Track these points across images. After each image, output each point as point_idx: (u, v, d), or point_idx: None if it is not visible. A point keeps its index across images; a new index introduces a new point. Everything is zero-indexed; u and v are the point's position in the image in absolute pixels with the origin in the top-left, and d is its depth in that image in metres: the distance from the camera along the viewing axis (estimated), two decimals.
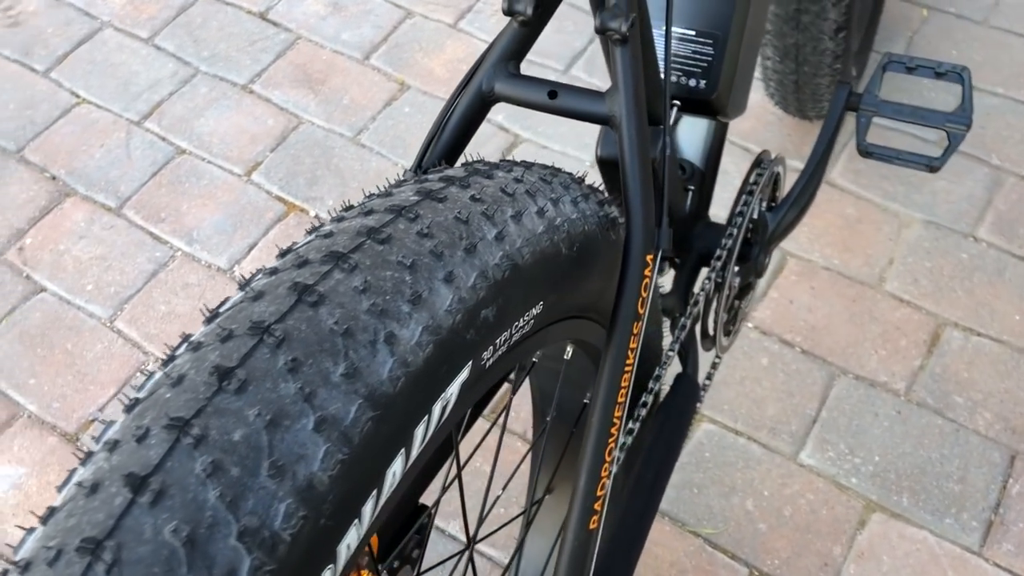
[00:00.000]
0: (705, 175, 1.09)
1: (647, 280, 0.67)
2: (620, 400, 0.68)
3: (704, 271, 1.01)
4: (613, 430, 0.68)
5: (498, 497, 1.09)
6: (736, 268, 1.06)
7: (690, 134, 1.09)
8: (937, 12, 1.90)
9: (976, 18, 1.89)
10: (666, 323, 1.04)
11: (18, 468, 1.41)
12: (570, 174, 0.72)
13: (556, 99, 0.70)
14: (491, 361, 0.56)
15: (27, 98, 1.85)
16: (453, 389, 0.52)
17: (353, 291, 0.48)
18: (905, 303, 1.55)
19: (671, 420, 0.94)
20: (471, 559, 0.82)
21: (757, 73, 1.68)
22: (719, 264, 0.98)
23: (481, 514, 0.81)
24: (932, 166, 1.09)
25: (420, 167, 0.72)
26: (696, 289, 1.01)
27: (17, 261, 1.63)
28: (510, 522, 0.96)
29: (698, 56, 0.94)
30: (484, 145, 1.73)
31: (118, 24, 1.96)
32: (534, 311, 0.60)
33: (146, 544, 0.40)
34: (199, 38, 1.93)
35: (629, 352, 0.67)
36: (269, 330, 0.46)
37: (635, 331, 0.67)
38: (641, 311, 0.68)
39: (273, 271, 0.50)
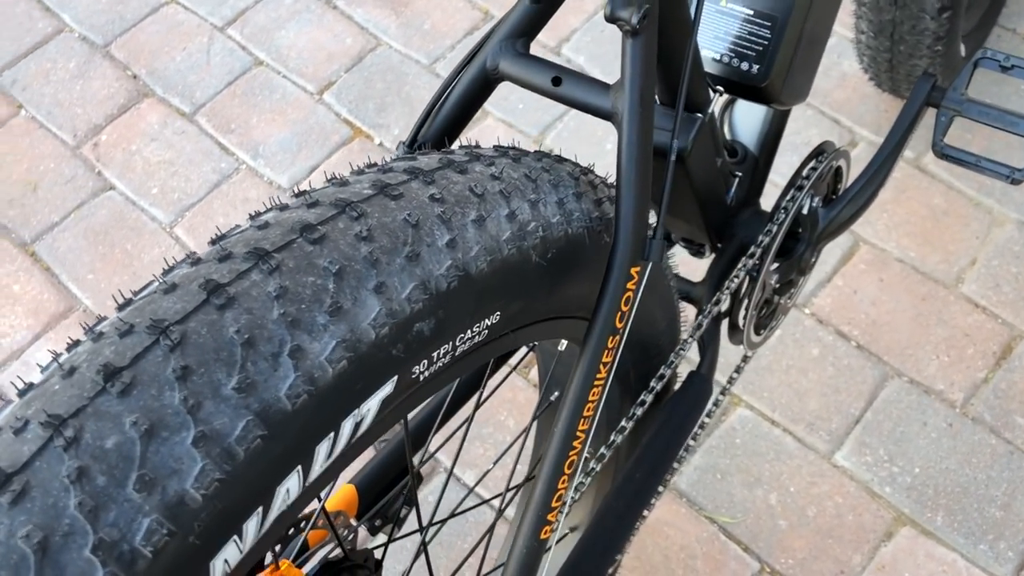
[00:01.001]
0: (759, 161, 1.02)
1: (630, 294, 0.63)
2: (587, 415, 0.65)
3: (740, 270, 0.95)
4: (576, 443, 0.65)
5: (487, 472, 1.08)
6: (776, 264, 1.00)
7: (747, 116, 1.02)
8: None
9: None
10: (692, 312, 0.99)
11: None
12: (575, 166, 0.68)
13: (560, 86, 0.65)
14: (427, 374, 0.53)
15: None
16: (371, 405, 0.50)
17: (266, 296, 0.46)
18: (980, 309, 1.45)
19: (672, 420, 0.90)
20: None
21: (851, 42, 1.55)
22: (754, 257, 0.92)
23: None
24: (1013, 178, 0.99)
25: (415, 142, 0.68)
26: (733, 281, 0.96)
27: (91, 156, 1.67)
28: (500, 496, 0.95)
29: (753, 38, 0.86)
30: None
31: None
32: (488, 321, 0.57)
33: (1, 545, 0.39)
34: None
35: (602, 367, 0.64)
36: (167, 331, 0.44)
37: (610, 345, 0.64)
38: (619, 325, 0.63)
39: (196, 261, 0.49)
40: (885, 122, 1.62)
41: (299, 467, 0.47)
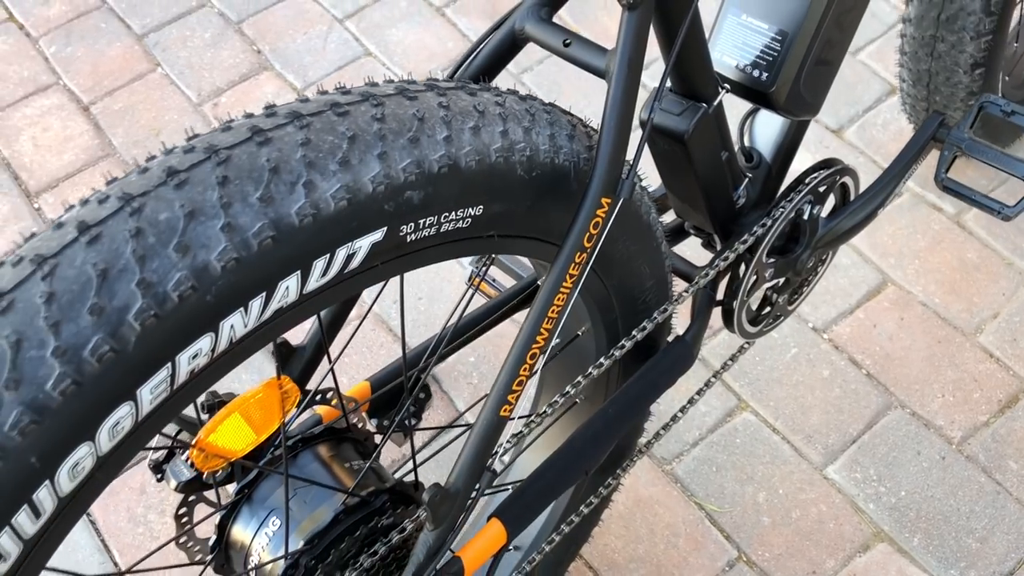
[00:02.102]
0: (772, 169, 1.14)
1: (599, 220, 0.77)
2: (551, 315, 0.78)
3: (726, 256, 1.06)
4: (540, 339, 0.78)
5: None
6: (771, 260, 1.11)
7: (765, 126, 1.14)
8: None
9: None
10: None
11: None
12: (575, 117, 0.82)
13: (568, 47, 0.80)
14: (413, 237, 0.68)
15: None
16: (363, 244, 0.65)
17: (294, 142, 0.62)
18: (994, 359, 1.51)
19: (650, 373, 1.01)
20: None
21: (891, 84, 1.65)
22: (741, 248, 1.04)
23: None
24: (1004, 214, 1.09)
25: None
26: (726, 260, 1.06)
27: (210, 114, 1.89)
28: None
29: (766, 49, 0.99)
30: None
31: None
32: (471, 211, 0.71)
33: (74, 269, 0.56)
34: None
35: (568, 276, 0.77)
36: (218, 152, 0.60)
37: (577, 260, 0.77)
38: (587, 244, 0.77)
39: (249, 116, 0.65)
40: (930, 175, 1.70)
41: (298, 272, 0.62)
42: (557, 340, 1.09)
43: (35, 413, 0.53)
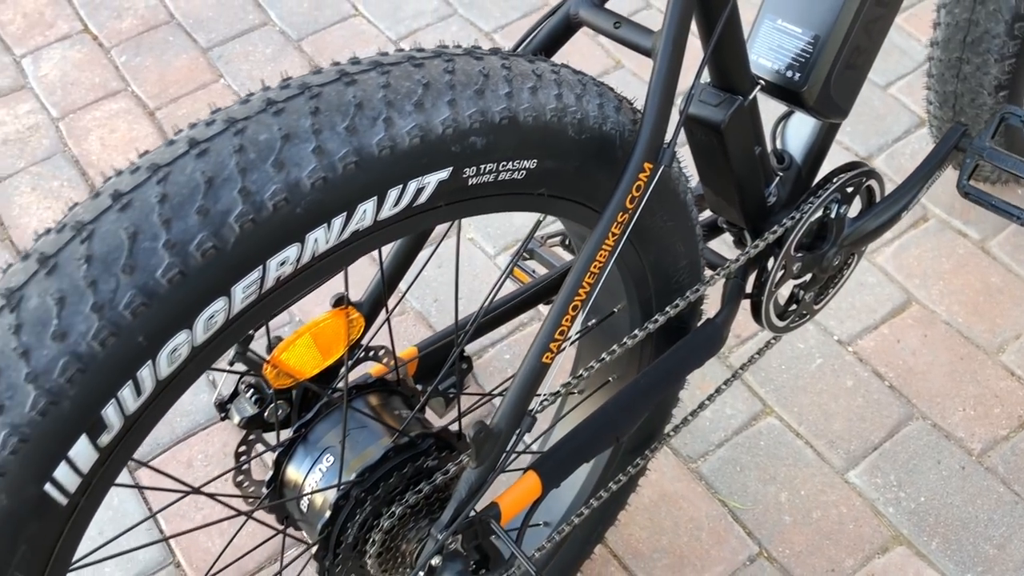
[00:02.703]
0: (802, 170, 1.21)
1: (640, 183, 0.84)
2: (594, 270, 0.85)
3: (755, 245, 1.13)
4: (582, 291, 0.85)
5: None
6: (798, 254, 1.17)
7: (797, 130, 1.21)
8: None
9: None
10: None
11: None
12: (621, 94, 0.90)
13: (618, 29, 0.88)
14: (474, 181, 0.76)
15: (318, 2, 2.23)
16: (430, 180, 0.72)
17: (377, 85, 0.70)
18: (1015, 377, 1.56)
19: (681, 351, 1.08)
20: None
21: (920, 117, 1.72)
22: (770, 239, 1.11)
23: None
24: (1022, 220, 1.15)
25: None
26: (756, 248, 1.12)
27: None
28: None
29: (799, 51, 1.07)
30: None
31: None
32: (526, 163, 0.79)
33: (184, 176, 0.64)
34: None
35: (611, 235, 0.84)
36: (311, 88, 0.68)
37: (619, 219, 0.84)
38: (629, 206, 0.84)
39: (336, 64, 0.73)
40: (957, 202, 1.77)
41: (375, 198, 0.69)
42: (592, 321, 1.16)
43: (146, 296, 0.61)
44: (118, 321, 0.61)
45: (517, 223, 1.81)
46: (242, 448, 0.96)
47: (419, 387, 1.09)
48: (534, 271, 1.39)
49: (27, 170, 1.94)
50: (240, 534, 1.12)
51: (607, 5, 0.92)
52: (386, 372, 1.03)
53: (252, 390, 0.94)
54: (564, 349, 0.87)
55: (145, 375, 0.63)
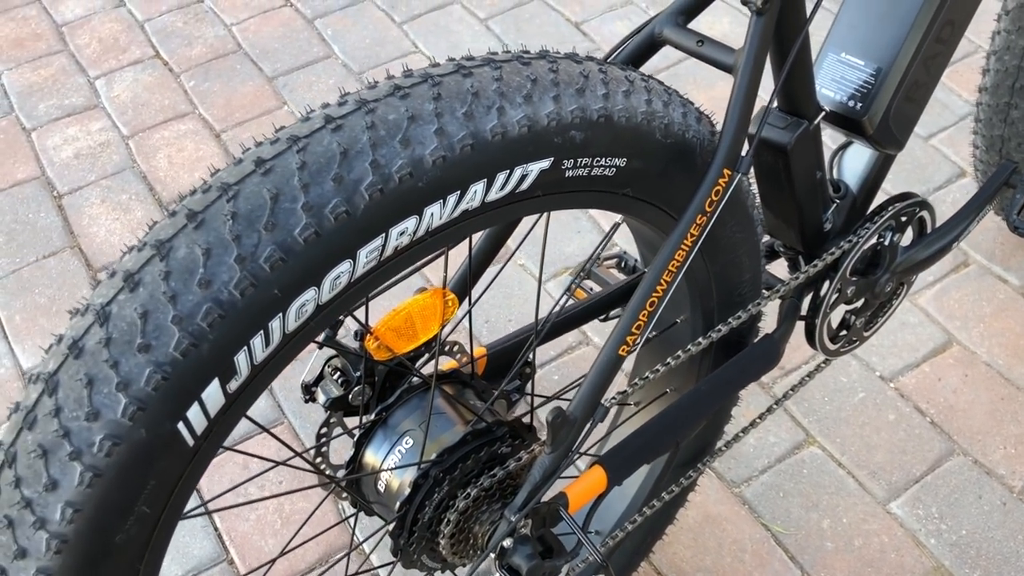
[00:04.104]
0: (857, 200, 1.26)
1: (719, 188, 0.90)
2: (672, 269, 0.90)
3: (813, 266, 1.18)
4: (659, 288, 0.91)
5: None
6: (853, 278, 1.22)
7: (853, 160, 1.27)
8: None
9: None
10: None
11: None
12: (690, 102, 0.96)
13: (702, 47, 0.95)
14: (571, 173, 0.82)
15: (380, 38, 2.32)
16: (532, 168, 0.78)
17: (491, 78, 0.76)
18: None
19: (740, 362, 1.12)
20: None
21: (968, 163, 1.78)
22: (829, 261, 1.16)
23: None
24: None
25: None
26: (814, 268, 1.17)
27: None
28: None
29: (862, 83, 1.13)
30: None
31: (465, 3, 2.40)
32: (617, 161, 0.85)
33: (322, 147, 0.70)
34: (522, 29, 2.33)
35: (689, 237, 0.90)
36: (432, 77, 0.75)
37: (698, 221, 0.90)
38: (708, 209, 0.90)
39: (452, 59, 0.80)
40: (997, 249, 1.81)
41: (485, 180, 0.75)
42: (653, 333, 1.21)
43: (283, 252, 0.67)
44: (257, 273, 0.66)
45: (568, 251, 1.86)
46: (323, 429, 1.01)
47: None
48: (591, 289, 1.44)
49: (97, 183, 2.02)
50: (306, 522, 1.16)
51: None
52: (458, 366, 1.08)
53: (338, 372, 0.99)
54: (639, 345, 0.92)
55: (275, 327, 0.69)
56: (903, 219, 1.24)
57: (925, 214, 1.26)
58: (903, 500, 1.50)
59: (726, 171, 0.90)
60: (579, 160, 0.81)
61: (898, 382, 1.64)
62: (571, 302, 1.26)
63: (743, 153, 0.91)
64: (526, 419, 1.03)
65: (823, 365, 1.31)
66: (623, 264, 1.48)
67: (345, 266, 0.70)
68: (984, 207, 1.26)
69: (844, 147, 1.28)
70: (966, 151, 1.94)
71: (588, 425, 0.93)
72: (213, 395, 0.68)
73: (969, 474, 1.52)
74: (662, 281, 0.91)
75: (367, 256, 0.71)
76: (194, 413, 0.68)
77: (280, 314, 0.69)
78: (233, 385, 0.69)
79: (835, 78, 1.15)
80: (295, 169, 0.68)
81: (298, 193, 0.68)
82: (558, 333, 1.26)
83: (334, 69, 2.25)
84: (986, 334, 1.70)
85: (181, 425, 0.68)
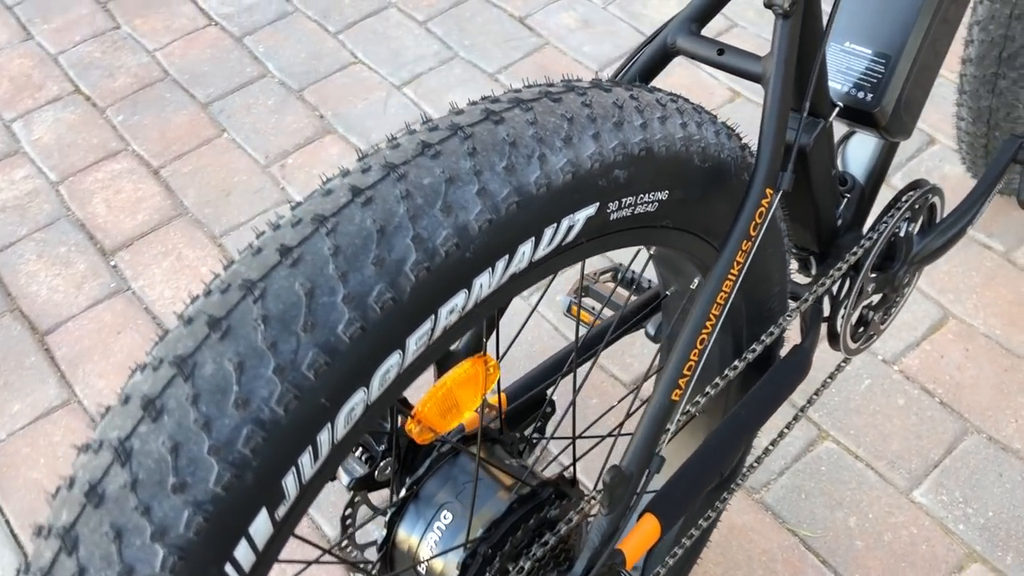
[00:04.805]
0: (865, 191, 1.21)
1: (762, 209, 0.83)
2: (719, 301, 0.83)
3: (837, 270, 1.12)
4: (708, 324, 0.83)
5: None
6: (873, 275, 1.17)
7: (857, 151, 1.21)
8: None
9: None
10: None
11: None
12: (719, 119, 0.89)
13: (723, 56, 0.87)
14: (615, 215, 0.73)
15: (316, 51, 2.20)
16: (579, 217, 0.70)
17: (525, 122, 0.68)
18: None
19: (775, 378, 1.06)
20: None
21: (951, 137, 1.76)
22: (852, 262, 1.10)
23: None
24: None
25: None
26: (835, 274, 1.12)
27: (278, 175, 1.95)
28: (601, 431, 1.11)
29: (869, 72, 1.07)
30: None
31: (402, 6, 2.29)
32: (659, 195, 0.77)
33: (354, 225, 0.60)
34: (464, 28, 2.23)
35: (736, 263, 0.83)
36: (463, 129, 0.66)
37: (744, 248, 0.82)
38: (752, 233, 0.83)
39: (474, 103, 0.71)
40: (981, 220, 1.78)
41: (533, 238, 0.67)
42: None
43: (328, 355, 0.57)
44: (301, 383, 0.57)
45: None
46: (347, 511, 0.91)
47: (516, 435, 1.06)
48: (592, 308, 1.37)
49: (31, 237, 1.87)
50: None
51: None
52: (483, 421, 0.99)
53: (360, 448, 0.89)
54: (690, 387, 0.85)
55: (323, 439, 0.59)
56: (916, 208, 1.18)
57: (936, 200, 1.21)
58: (925, 487, 1.46)
59: (768, 190, 0.83)
60: (624, 200, 0.73)
61: (901, 364, 1.61)
62: (582, 328, 1.18)
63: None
64: (549, 466, 0.95)
65: (843, 365, 1.26)
66: (619, 276, 1.41)
67: (395, 358, 0.61)
68: (995, 185, 1.21)
69: (847, 138, 1.22)
70: (934, 119, 1.92)
71: (644, 478, 0.85)
72: (262, 527, 0.59)
73: (986, 452, 1.50)
74: (711, 316, 0.83)
75: (417, 343, 0.62)
76: (242, 551, 0.58)
77: (328, 424, 0.59)
78: (282, 511, 0.59)
79: (840, 69, 1.09)
80: (328, 256, 0.59)
81: (336, 284, 0.58)
82: (580, 364, 1.18)
83: (272, 88, 2.12)
84: (980, 304, 1.68)
85: (228, 567, 0.58)
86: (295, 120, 2.05)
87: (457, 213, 0.62)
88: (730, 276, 0.83)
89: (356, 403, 0.60)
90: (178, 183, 1.94)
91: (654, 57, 0.91)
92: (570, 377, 1.06)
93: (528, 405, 1.10)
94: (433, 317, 0.62)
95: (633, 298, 1.18)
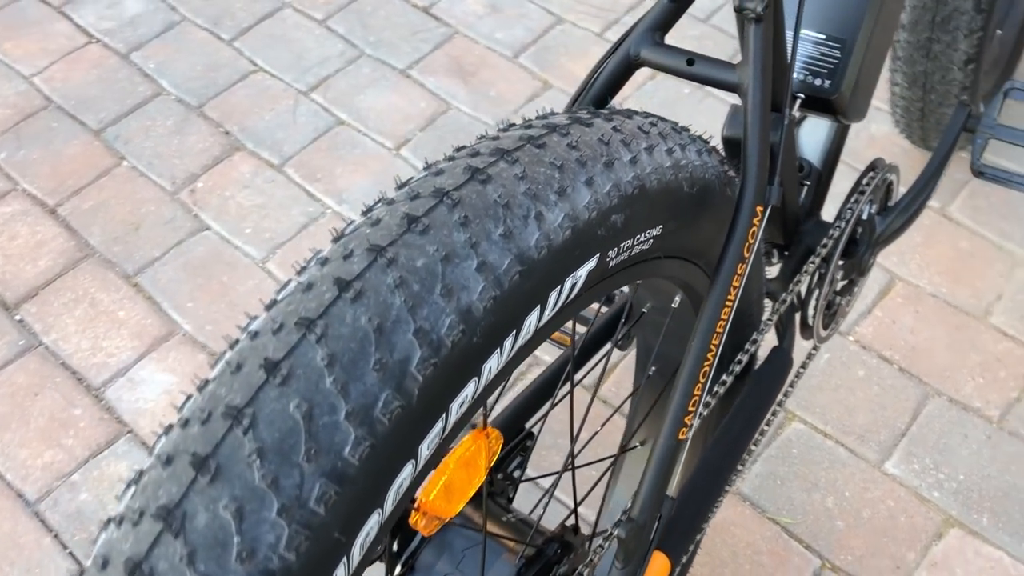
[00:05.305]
0: (822, 175, 1.17)
1: (755, 228, 0.77)
2: (718, 330, 0.78)
3: (809, 264, 1.09)
4: (709, 355, 0.78)
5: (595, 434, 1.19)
6: (840, 263, 1.14)
7: (811, 135, 1.18)
8: None
9: None
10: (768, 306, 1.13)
11: (170, 377, 1.59)
12: (696, 134, 0.83)
13: (693, 66, 0.81)
14: (614, 262, 0.67)
15: (212, 62, 2.06)
16: (582, 272, 0.63)
17: (514, 177, 0.60)
18: (1009, 337, 1.58)
19: (762, 385, 1.02)
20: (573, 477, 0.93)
21: (885, 100, 1.76)
22: (823, 254, 1.07)
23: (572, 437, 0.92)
24: None
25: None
26: (803, 276, 1.10)
27: (188, 201, 1.83)
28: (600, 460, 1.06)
29: (825, 58, 1.03)
30: None
31: (297, 5, 2.17)
32: (654, 231, 0.71)
33: (347, 327, 0.52)
34: (368, 24, 2.12)
35: (732, 288, 0.77)
36: (448, 194, 0.58)
37: (739, 271, 0.77)
38: (746, 255, 0.77)
39: (451, 158, 0.63)
40: (912, 177, 1.79)
41: (539, 306, 0.60)
42: (652, 369, 1.09)
43: (337, 483, 0.50)
44: (311, 521, 0.49)
45: None
46: None
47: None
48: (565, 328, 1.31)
49: None
50: None
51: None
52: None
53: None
54: (695, 425, 0.80)
55: (340, 574, 0.52)
56: (876, 188, 1.16)
57: (893, 178, 1.19)
58: (896, 458, 1.46)
59: (758, 208, 0.78)
60: (622, 245, 0.67)
61: (856, 334, 1.60)
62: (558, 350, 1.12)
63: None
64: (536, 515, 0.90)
65: (813, 353, 1.23)
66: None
67: (408, 470, 0.54)
68: (948, 157, 1.19)
69: (799, 123, 1.18)
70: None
71: (656, 524, 0.80)
72: None
73: (949, 415, 1.50)
74: (711, 346, 0.78)
75: (429, 447, 0.55)
76: None
77: (344, 558, 0.52)
78: None
79: (796, 56, 1.05)
80: (323, 367, 0.51)
81: (336, 400, 0.51)
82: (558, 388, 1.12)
83: (170, 107, 1.98)
84: (923, 264, 1.68)
85: None
86: (199, 139, 1.92)
87: (459, 295, 0.55)
88: (727, 302, 0.78)
89: (371, 527, 0.53)
90: (80, 221, 1.80)
91: (616, 71, 0.84)
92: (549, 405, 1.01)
93: (507, 439, 1.03)
94: (444, 416, 0.55)
95: (604, 310, 1.13)
